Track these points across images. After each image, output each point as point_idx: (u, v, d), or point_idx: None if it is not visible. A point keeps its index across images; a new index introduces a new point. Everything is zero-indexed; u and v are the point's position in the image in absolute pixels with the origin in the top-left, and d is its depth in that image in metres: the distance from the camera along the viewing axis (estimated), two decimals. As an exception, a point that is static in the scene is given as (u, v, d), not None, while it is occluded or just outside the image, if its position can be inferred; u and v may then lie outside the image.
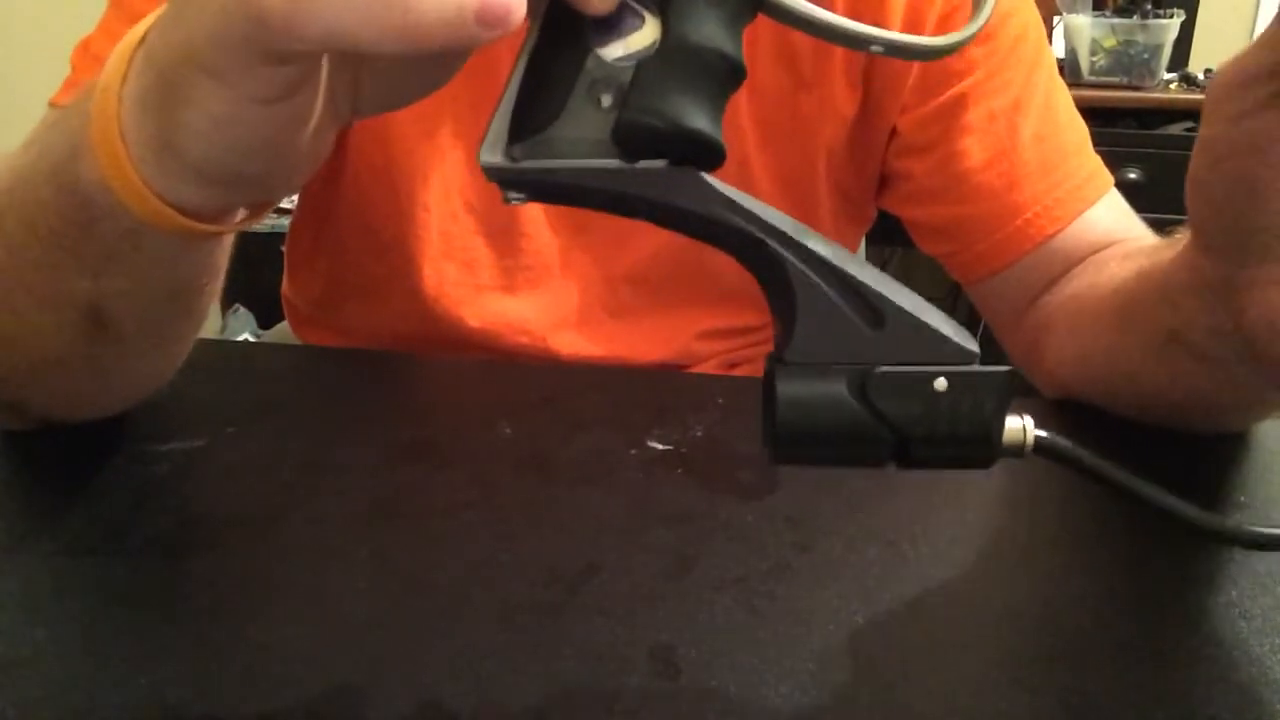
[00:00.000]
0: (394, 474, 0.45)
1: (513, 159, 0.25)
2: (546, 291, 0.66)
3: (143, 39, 0.33)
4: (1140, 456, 0.48)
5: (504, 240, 0.65)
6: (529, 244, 0.65)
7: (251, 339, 2.25)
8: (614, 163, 0.24)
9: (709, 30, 0.25)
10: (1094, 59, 2.12)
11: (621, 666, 0.33)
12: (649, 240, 0.65)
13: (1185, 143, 2.06)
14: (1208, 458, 0.48)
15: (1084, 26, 2.12)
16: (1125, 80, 2.13)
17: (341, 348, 0.72)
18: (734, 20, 0.26)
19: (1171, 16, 2.12)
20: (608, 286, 0.67)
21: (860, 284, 0.24)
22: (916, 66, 0.61)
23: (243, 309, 2.54)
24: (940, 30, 0.61)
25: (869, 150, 0.66)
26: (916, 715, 0.32)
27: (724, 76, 0.25)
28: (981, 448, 0.25)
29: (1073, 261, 0.60)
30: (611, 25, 0.25)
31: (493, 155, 0.25)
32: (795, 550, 0.40)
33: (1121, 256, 0.55)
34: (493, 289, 0.66)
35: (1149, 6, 2.15)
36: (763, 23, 0.69)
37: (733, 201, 0.25)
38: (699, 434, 0.49)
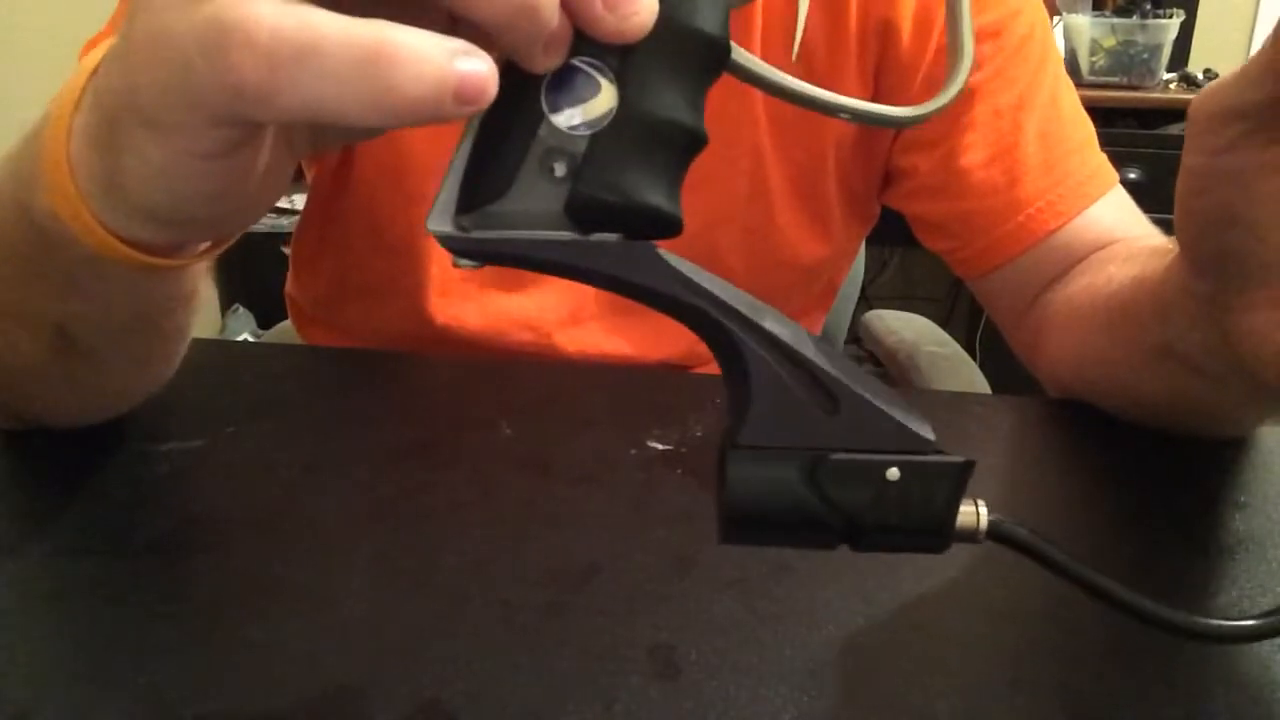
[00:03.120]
0: (394, 474, 0.45)
1: (462, 229, 0.24)
2: (552, 288, 0.66)
3: (95, 69, 0.31)
4: (1140, 456, 0.48)
5: None
6: None
7: (251, 339, 2.25)
8: (567, 235, 0.24)
9: (668, 99, 0.24)
10: (1094, 59, 2.12)
11: (621, 666, 0.33)
12: None
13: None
14: (1207, 458, 0.48)
15: (1084, 26, 2.12)
16: (1125, 80, 2.13)
17: (341, 348, 0.72)
18: (695, 87, 0.25)
19: (1171, 16, 2.12)
20: None
21: (816, 368, 0.24)
22: (926, 61, 0.62)
23: (243, 309, 2.54)
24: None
25: (875, 146, 0.66)
26: (916, 715, 0.32)
27: (682, 148, 0.24)
28: (933, 536, 0.25)
29: (1075, 258, 0.61)
30: (566, 90, 0.24)
31: (441, 224, 0.24)
32: (795, 550, 0.40)
33: (1123, 258, 0.56)
34: (498, 285, 0.66)
35: (1148, 6, 2.15)
36: (777, 17, 0.70)
37: (688, 279, 0.24)
38: (699, 434, 0.49)
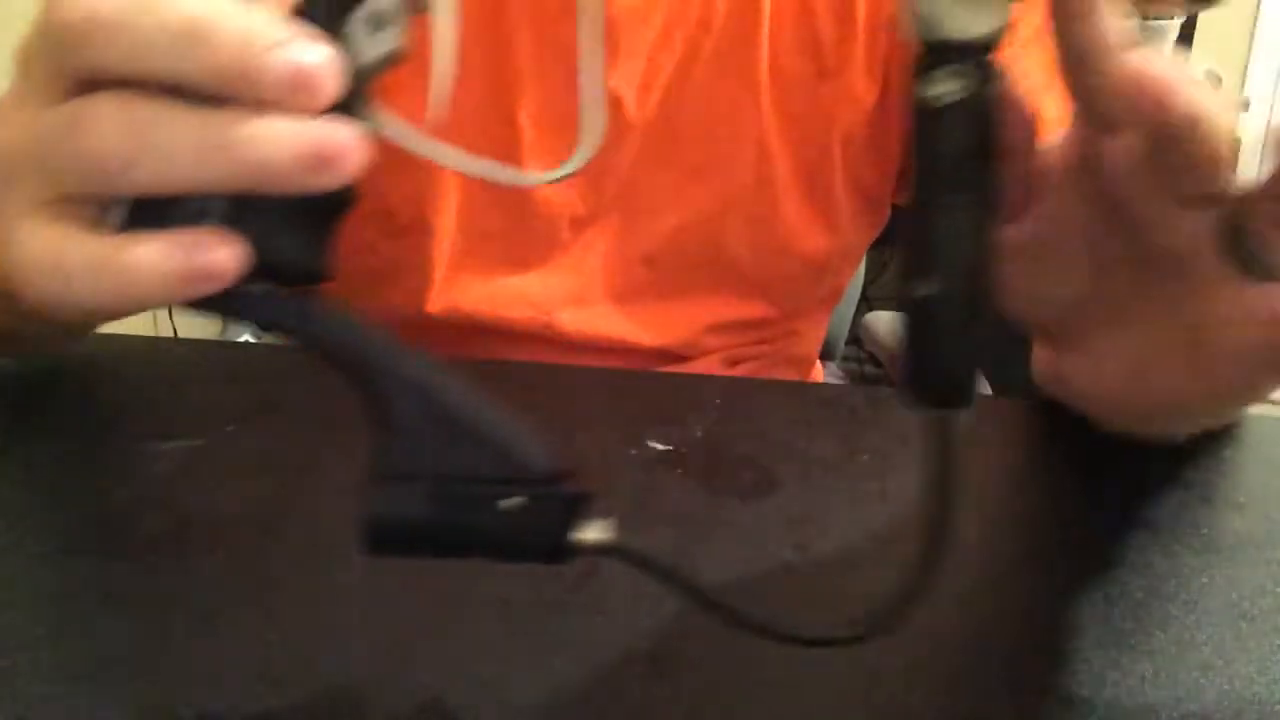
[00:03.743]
0: (394, 474, 0.45)
1: None
2: (558, 267, 0.67)
3: None
4: (1140, 457, 0.48)
5: (519, 215, 0.65)
6: (541, 223, 0.65)
7: (252, 339, 2.25)
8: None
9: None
10: (1094, 60, 2.12)
11: (621, 666, 0.33)
12: (669, 221, 0.65)
13: (1185, 143, 2.06)
14: (1208, 458, 0.48)
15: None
16: (1125, 81, 2.12)
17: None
18: None
19: (1172, 18, 2.12)
20: (623, 266, 0.67)
21: (450, 404, 0.26)
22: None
23: (243, 309, 2.53)
24: None
25: (887, 142, 0.66)
26: (916, 715, 0.32)
27: (329, 208, 0.26)
28: (553, 554, 0.27)
29: None
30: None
31: None
32: (795, 550, 0.40)
33: None
34: (504, 265, 0.66)
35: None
36: (786, 10, 0.70)
37: (333, 323, 0.26)
38: (699, 434, 0.49)
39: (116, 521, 0.41)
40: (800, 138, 0.64)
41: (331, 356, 0.27)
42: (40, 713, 0.31)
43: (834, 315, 0.94)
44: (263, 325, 0.26)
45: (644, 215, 0.66)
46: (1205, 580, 0.39)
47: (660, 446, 0.47)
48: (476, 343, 0.68)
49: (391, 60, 0.27)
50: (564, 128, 0.64)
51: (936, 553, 0.27)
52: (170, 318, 2.47)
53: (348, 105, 0.25)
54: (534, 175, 0.31)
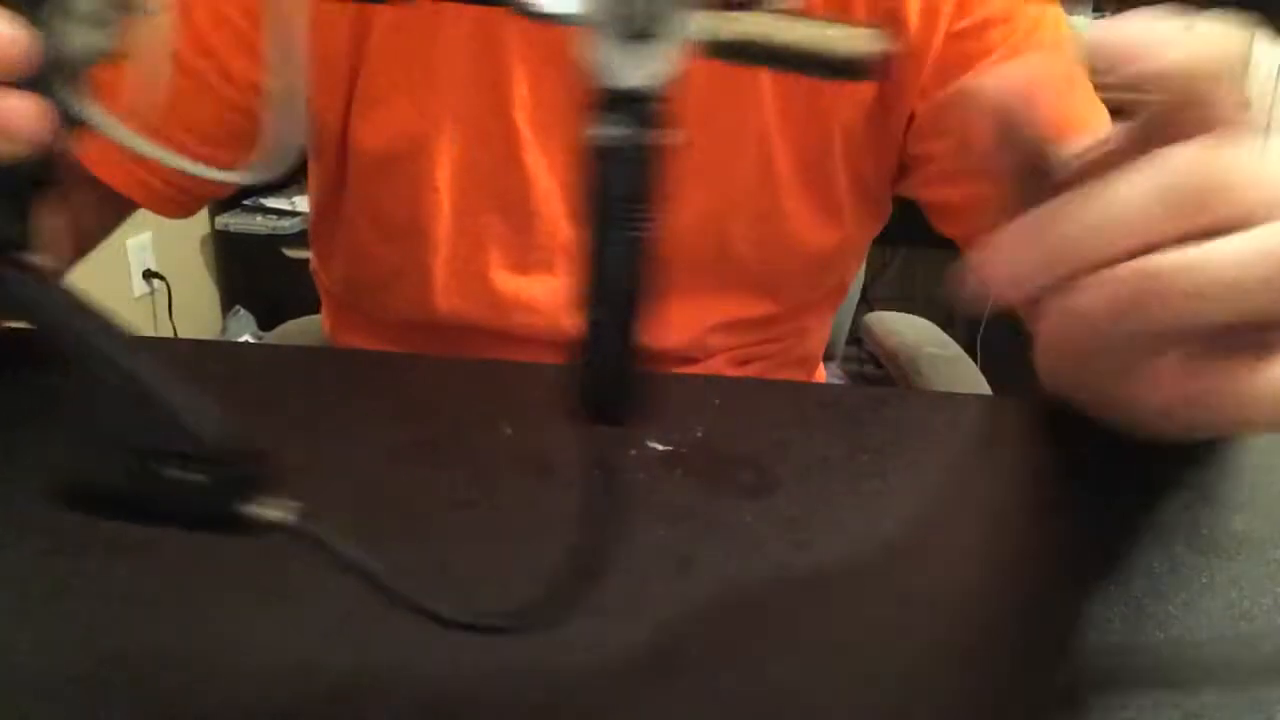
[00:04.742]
0: (394, 474, 0.45)
1: None
2: (559, 271, 0.66)
3: None
4: (1140, 458, 0.48)
5: (517, 218, 0.65)
6: (542, 223, 0.65)
7: (252, 340, 2.25)
8: None
9: None
10: (1094, 60, 2.12)
11: (622, 666, 0.33)
12: (671, 221, 0.66)
13: (1186, 144, 2.06)
14: (1208, 458, 0.48)
15: (1085, 28, 2.12)
16: (1126, 82, 2.12)
17: (339, 349, 0.72)
18: None
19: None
20: None
21: (135, 378, 0.28)
22: (935, 50, 0.62)
23: (243, 310, 2.55)
24: (960, 12, 0.62)
25: (887, 136, 0.66)
26: (916, 716, 0.32)
27: (25, 177, 0.27)
28: (223, 525, 0.29)
29: None
30: None
31: None
32: (795, 550, 0.40)
33: None
34: (505, 267, 0.66)
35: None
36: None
37: (33, 291, 0.27)
38: (699, 434, 0.49)
39: (116, 520, 0.41)
40: (801, 133, 0.64)
41: (30, 322, 0.28)
42: (40, 713, 0.31)
43: (835, 316, 0.94)
44: None
45: None
46: (1205, 580, 0.39)
47: (660, 446, 0.47)
48: (483, 346, 0.67)
49: (100, 56, 0.28)
50: (560, 127, 0.64)
51: (594, 551, 0.30)
52: (170, 317, 2.47)
53: (49, 90, 0.26)
54: (232, 174, 0.33)
